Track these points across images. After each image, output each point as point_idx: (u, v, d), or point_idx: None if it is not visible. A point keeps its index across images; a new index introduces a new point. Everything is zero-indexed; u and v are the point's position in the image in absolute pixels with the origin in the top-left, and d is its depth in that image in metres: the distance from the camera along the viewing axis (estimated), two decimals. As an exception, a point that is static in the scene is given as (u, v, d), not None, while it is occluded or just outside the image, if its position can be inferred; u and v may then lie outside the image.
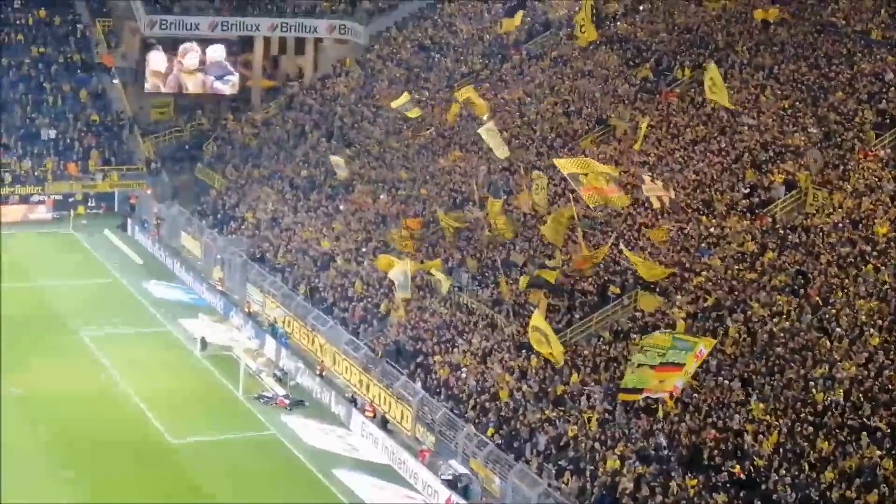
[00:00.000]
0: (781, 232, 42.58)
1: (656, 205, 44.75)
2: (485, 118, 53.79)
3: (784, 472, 32.29)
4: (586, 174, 40.24)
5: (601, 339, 41.14)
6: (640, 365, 32.74)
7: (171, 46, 71.36)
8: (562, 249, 45.35)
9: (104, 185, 66.24)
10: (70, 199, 64.92)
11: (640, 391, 33.61)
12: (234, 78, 72.71)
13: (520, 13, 58.15)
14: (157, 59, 71.57)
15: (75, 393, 43.01)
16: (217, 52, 71.74)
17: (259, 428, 41.92)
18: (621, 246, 42.69)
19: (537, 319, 38.15)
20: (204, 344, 47.97)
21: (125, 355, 46.74)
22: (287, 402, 43.59)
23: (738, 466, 33.02)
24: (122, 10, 75.62)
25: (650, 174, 46.14)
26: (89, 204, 65.61)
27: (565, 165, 41.31)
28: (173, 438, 40.41)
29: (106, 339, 48.20)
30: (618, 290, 43.10)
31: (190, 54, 71.34)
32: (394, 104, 57.01)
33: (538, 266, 44.55)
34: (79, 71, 71.52)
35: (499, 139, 49.75)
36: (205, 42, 71.71)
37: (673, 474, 33.72)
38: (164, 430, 40.80)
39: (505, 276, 44.79)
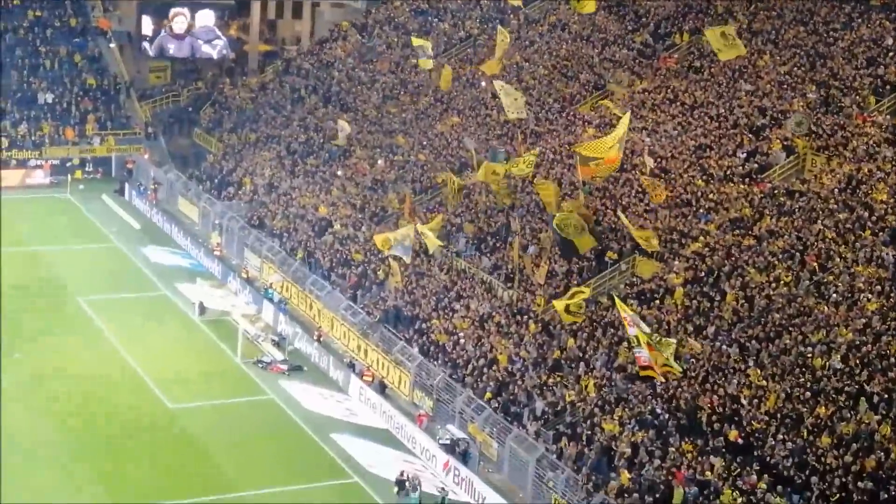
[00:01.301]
0: (781, 198, 42.54)
1: (650, 165, 44.77)
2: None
3: (781, 436, 32.44)
4: (596, 159, 40.50)
5: (599, 304, 41.18)
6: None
7: (163, 10, 70.98)
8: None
9: (101, 149, 66.09)
10: (67, 164, 64.80)
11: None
12: (222, 42, 72.07)
13: None
14: (146, 23, 71.27)
15: (73, 358, 43.09)
16: (205, 17, 71.24)
17: (257, 393, 42.02)
18: (619, 214, 42.67)
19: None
20: (202, 309, 48.01)
21: (123, 320, 46.78)
22: (285, 367, 43.68)
23: (735, 431, 33.16)
24: (119, -27, 75.42)
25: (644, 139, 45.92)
26: (87, 169, 65.47)
27: (584, 149, 41.40)
28: (172, 403, 40.51)
29: (104, 305, 48.21)
30: (615, 256, 43.12)
31: (178, 18, 70.93)
32: (415, 42, 56.21)
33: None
34: (76, 35, 71.21)
35: (513, 98, 48.78)
36: (195, 6, 71.32)
37: (670, 439, 33.88)
38: (162, 396, 40.90)
39: (506, 242, 44.83)
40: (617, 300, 36.00)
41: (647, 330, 33.33)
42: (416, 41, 56.28)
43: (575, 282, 41.99)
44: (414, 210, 48.57)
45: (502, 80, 53.16)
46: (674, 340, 33.92)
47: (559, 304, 38.11)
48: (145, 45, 71.44)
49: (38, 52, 69.11)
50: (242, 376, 43.17)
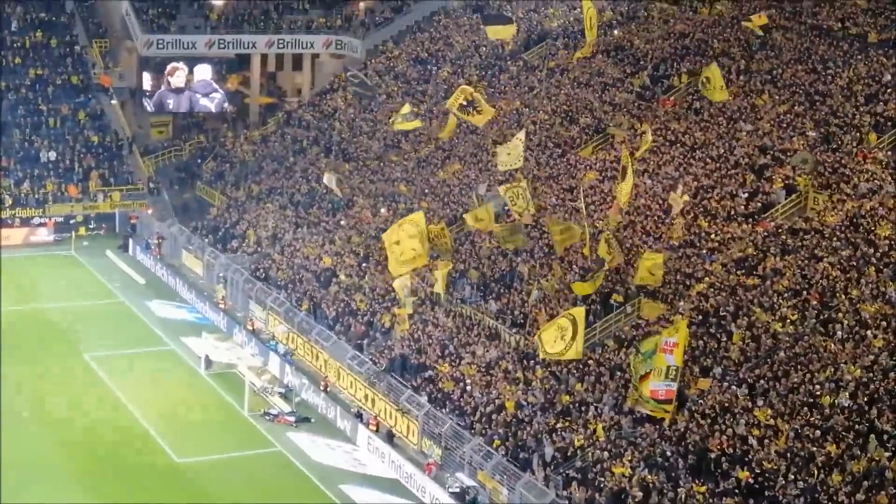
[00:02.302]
0: (783, 236, 42.57)
1: (676, 210, 44.60)
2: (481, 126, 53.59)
3: (792, 476, 32.29)
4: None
5: (605, 347, 41.13)
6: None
7: (163, 66, 71.30)
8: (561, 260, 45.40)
9: (105, 205, 66.27)
10: (71, 221, 64.93)
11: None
12: (220, 95, 72.12)
13: (511, 26, 57.36)
14: (147, 79, 71.58)
15: (81, 414, 43.02)
16: (203, 71, 71.51)
17: (265, 445, 41.89)
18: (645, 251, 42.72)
19: (577, 312, 37.94)
20: (208, 362, 47.96)
21: (130, 375, 46.74)
22: (292, 418, 43.57)
23: (745, 472, 33.01)
24: (119, 30, 75.85)
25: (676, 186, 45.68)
26: (90, 225, 65.60)
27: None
28: (179, 458, 40.39)
29: (110, 360, 48.18)
30: (621, 299, 43.09)
31: (177, 73, 71.19)
32: (395, 124, 55.64)
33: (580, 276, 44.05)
34: (77, 92, 71.57)
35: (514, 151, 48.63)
36: (193, 61, 71.63)
37: (681, 481, 33.73)
38: (169, 450, 40.78)
39: (511, 287, 44.79)
40: (683, 327, 35.60)
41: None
42: (394, 123, 55.31)
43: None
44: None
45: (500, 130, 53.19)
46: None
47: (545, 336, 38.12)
48: (145, 100, 71.77)
49: (39, 111, 69.43)
50: (250, 429, 43.05)
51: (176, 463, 40.08)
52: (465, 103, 46.69)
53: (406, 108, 53.46)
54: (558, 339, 37.49)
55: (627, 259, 44.21)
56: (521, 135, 48.20)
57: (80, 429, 41.88)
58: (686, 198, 44.65)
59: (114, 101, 72.48)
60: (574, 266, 45.02)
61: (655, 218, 46.27)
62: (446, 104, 49.53)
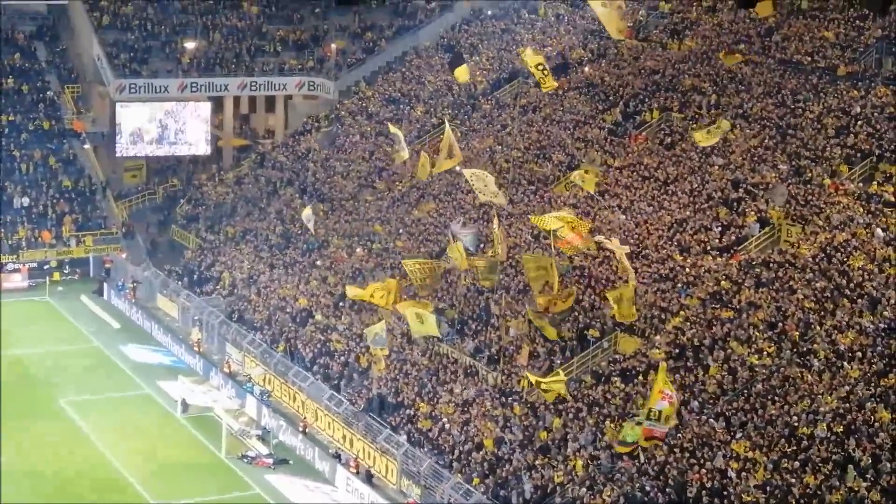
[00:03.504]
0: (757, 269, 42.76)
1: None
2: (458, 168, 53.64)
3: (771, 508, 32.34)
4: (562, 227, 40.81)
5: (582, 382, 41.15)
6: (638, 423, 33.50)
7: (136, 110, 71.38)
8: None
9: (79, 250, 66.07)
10: (45, 267, 64.67)
11: (634, 444, 34.21)
12: (195, 138, 72.45)
13: (464, 66, 57.18)
14: (120, 124, 71.54)
15: (56, 461, 42.75)
16: (179, 115, 71.78)
17: (244, 488, 41.69)
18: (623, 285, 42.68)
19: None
20: (185, 406, 47.75)
21: (106, 421, 46.50)
22: (270, 460, 43.39)
23: (725, 505, 33.07)
24: (92, 74, 75.84)
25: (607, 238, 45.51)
26: (65, 270, 65.35)
27: (543, 222, 41.80)
28: (156, 501, 40.15)
29: (86, 405, 47.94)
30: (597, 334, 43.17)
31: (150, 117, 71.43)
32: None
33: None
34: (50, 137, 71.47)
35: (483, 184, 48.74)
36: (168, 104, 71.87)
37: (661, 516, 33.76)
38: (147, 495, 40.55)
39: (487, 325, 44.83)
40: (662, 370, 35.38)
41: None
42: (393, 128, 55.71)
43: (558, 360, 41.97)
44: (398, 297, 48.32)
45: (470, 166, 53.20)
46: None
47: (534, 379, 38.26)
48: (119, 145, 71.75)
49: (12, 156, 69.21)
50: (228, 472, 42.85)
51: (154, 508, 39.91)
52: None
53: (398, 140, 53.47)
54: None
55: (599, 293, 44.35)
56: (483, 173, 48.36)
57: (55, 475, 41.60)
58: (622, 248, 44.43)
59: (86, 146, 72.40)
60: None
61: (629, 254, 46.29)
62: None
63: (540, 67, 47.34)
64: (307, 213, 55.46)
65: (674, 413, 33.71)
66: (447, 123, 49.69)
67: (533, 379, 38.25)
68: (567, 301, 42.82)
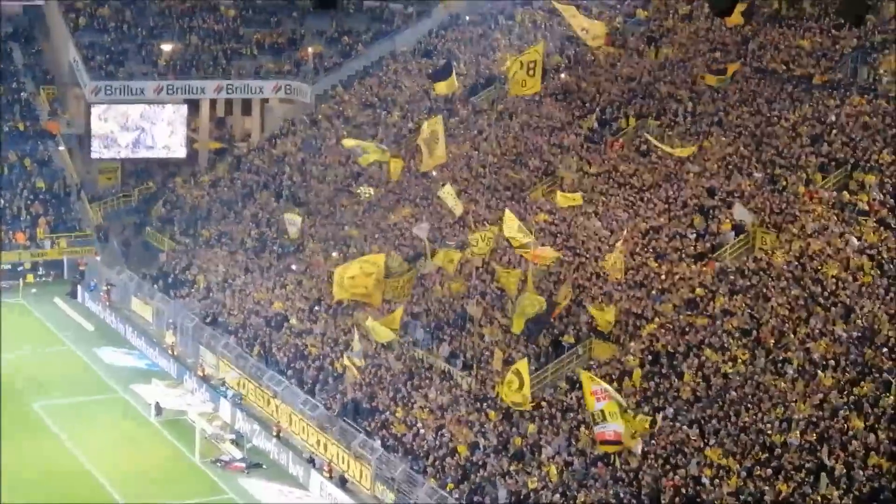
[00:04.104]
0: (731, 276, 42.89)
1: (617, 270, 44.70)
2: (434, 173, 53.85)
3: (744, 515, 32.42)
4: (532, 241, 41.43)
5: (557, 388, 41.20)
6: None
7: (111, 112, 71.23)
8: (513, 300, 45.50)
9: (53, 252, 65.82)
10: (19, 269, 64.43)
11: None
12: (170, 140, 72.36)
13: (452, 77, 57.04)
14: (95, 126, 71.38)
15: (28, 464, 42.55)
16: (153, 116, 71.78)
17: (217, 492, 41.61)
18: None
19: (521, 365, 38.42)
20: (158, 409, 47.61)
21: (78, 424, 46.32)
22: (244, 465, 43.29)
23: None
24: (67, 76, 75.59)
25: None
26: (38, 272, 65.12)
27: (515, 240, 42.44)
28: (130, 506, 40.10)
29: (58, 409, 47.74)
30: (572, 340, 43.24)
31: (125, 119, 71.31)
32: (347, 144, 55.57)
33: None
34: (25, 139, 71.17)
35: (454, 199, 49.42)
36: (143, 106, 71.71)
37: (634, 522, 33.81)
38: (120, 499, 40.43)
39: (463, 330, 44.85)
40: (584, 374, 35.69)
41: (622, 401, 33.60)
42: (347, 143, 55.59)
43: (533, 367, 42.00)
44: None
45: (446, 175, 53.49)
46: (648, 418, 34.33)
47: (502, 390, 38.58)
48: (94, 147, 71.55)
49: (-15, 158, 69.02)
50: (201, 476, 42.75)
51: (127, 512, 39.77)
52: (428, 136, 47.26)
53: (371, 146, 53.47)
54: (513, 390, 37.97)
55: (575, 300, 44.48)
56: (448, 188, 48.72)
57: (28, 478, 41.37)
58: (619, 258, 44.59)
59: (61, 148, 72.16)
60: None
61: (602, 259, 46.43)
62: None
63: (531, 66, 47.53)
64: (293, 218, 55.52)
65: (618, 409, 33.59)
66: (439, 120, 49.53)
67: (508, 399, 38.60)
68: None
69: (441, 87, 53.28)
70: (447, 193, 48.99)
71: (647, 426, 35.50)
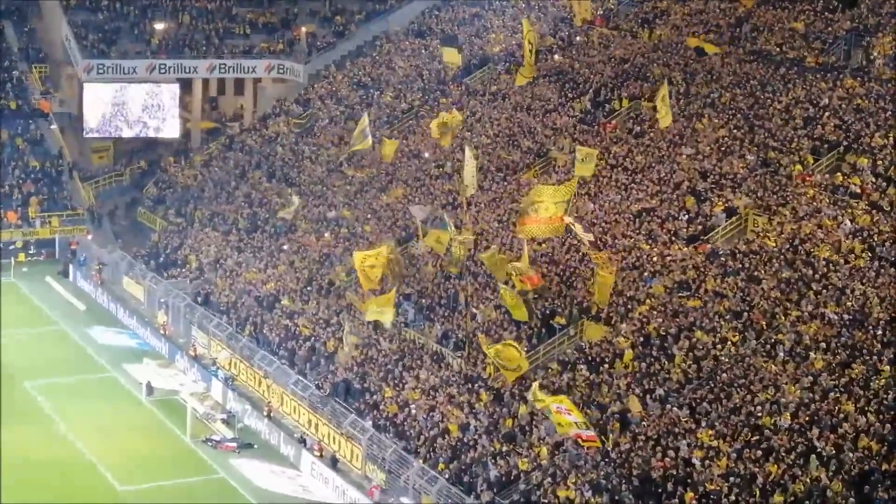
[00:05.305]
0: (723, 258, 42.93)
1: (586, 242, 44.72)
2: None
3: (734, 497, 32.47)
4: (537, 205, 41.19)
5: (549, 370, 41.22)
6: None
7: (104, 90, 71.06)
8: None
9: (44, 231, 65.70)
10: (10, 247, 64.28)
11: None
12: (162, 119, 72.28)
13: (458, 50, 57.24)
14: (87, 104, 71.24)
15: (21, 443, 42.49)
16: (147, 95, 71.61)
17: (208, 472, 41.61)
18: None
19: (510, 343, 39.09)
20: (150, 389, 47.60)
21: (70, 403, 46.28)
22: (235, 444, 43.32)
23: (690, 493, 33.17)
24: (60, 55, 75.36)
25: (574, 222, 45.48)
26: (30, 251, 65.02)
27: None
28: (121, 486, 40.05)
29: (50, 388, 47.70)
30: (563, 321, 43.26)
31: (118, 97, 71.17)
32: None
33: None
34: (17, 118, 70.96)
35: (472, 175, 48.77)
36: (136, 85, 71.51)
37: (626, 503, 33.84)
38: (111, 478, 40.41)
39: (455, 311, 44.86)
40: (538, 393, 35.82)
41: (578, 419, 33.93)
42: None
43: (525, 347, 42.02)
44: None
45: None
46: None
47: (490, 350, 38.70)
48: (86, 126, 71.39)
49: (-22, 136, 68.84)
50: (192, 456, 42.76)
51: (118, 491, 39.72)
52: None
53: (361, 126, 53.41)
54: (512, 370, 38.16)
55: (565, 280, 44.49)
56: (469, 154, 48.00)
57: (20, 457, 41.35)
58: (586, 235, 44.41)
59: (53, 127, 71.95)
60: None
61: (596, 241, 46.42)
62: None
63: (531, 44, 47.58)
64: (294, 199, 55.67)
65: (583, 417, 34.35)
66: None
67: (491, 351, 38.72)
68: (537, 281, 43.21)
69: (449, 55, 53.45)
70: (469, 163, 48.00)
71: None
